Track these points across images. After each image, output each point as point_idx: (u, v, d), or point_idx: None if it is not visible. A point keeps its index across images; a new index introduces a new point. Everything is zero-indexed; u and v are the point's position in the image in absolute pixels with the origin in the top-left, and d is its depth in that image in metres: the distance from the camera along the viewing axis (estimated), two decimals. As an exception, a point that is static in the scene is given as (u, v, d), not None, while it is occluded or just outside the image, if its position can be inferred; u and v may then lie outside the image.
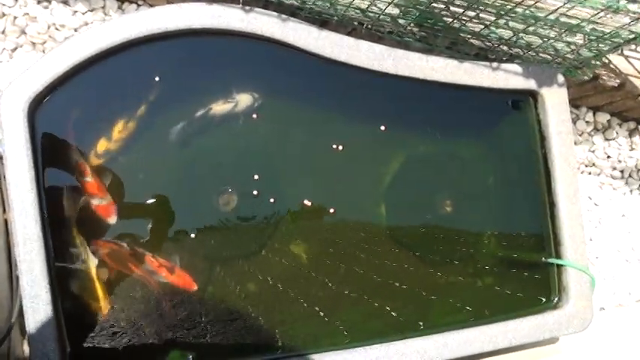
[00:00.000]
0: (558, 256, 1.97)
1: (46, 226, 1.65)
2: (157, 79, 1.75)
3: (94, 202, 1.72)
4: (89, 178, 1.71)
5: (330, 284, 1.86)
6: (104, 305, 1.71)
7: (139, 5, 2.12)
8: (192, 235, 1.78)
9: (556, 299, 1.98)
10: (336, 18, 1.96)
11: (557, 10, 1.73)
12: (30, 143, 1.62)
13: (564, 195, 1.95)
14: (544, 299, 1.99)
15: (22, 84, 1.62)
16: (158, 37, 1.72)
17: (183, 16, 1.70)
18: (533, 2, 1.73)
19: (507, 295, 1.99)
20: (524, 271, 2.01)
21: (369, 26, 1.99)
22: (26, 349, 1.88)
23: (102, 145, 1.72)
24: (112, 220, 1.74)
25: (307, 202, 1.86)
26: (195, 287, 1.78)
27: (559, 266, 1.98)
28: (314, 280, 1.86)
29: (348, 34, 1.98)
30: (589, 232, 2.57)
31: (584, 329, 1.95)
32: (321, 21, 2.02)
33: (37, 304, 1.60)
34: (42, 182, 1.65)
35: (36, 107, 1.65)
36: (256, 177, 1.82)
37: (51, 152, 1.68)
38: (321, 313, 1.85)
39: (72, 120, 1.71)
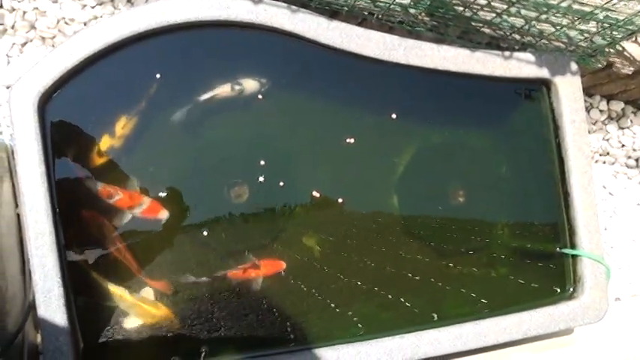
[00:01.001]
0: (573, 246, 1.96)
1: (57, 221, 1.65)
2: (166, 72, 1.75)
3: (137, 211, 1.72)
4: (118, 195, 1.72)
5: (342, 276, 1.86)
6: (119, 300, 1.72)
7: (148, -2, 2.11)
8: (205, 229, 1.78)
9: (571, 290, 1.97)
10: (346, 8, 1.95)
11: (569, -3, 1.71)
12: (40, 138, 1.62)
13: (578, 184, 1.93)
14: (559, 290, 1.98)
15: (32, 78, 1.62)
16: (167, 29, 1.71)
17: (191, 9, 1.70)
18: (545, -11, 1.71)
19: (521, 285, 1.97)
20: (538, 262, 1.99)
21: (380, 16, 1.97)
22: (39, 341, 1.89)
23: (107, 142, 1.72)
24: (164, 215, 1.74)
25: (316, 193, 1.85)
26: (283, 265, 1.81)
27: (574, 256, 1.96)
28: (326, 271, 1.85)
29: (359, 24, 1.96)
30: (603, 222, 2.54)
31: (600, 320, 1.93)
32: (331, 11, 2.01)
33: (49, 299, 1.60)
34: (53, 177, 1.65)
35: (46, 101, 1.65)
36: (263, 165, 1.82)
37: (61, 146, 1.68)
38: (334, 305, 1.85)
39: (82, 114, 1.71)
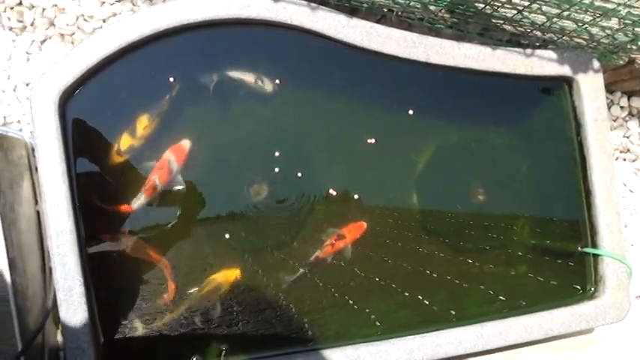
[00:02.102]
0: (594, 245, 1.94)
1: (78, 219, 1.65)
2: (185, 70, 1.75)
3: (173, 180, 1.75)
4: (155, 178, 1.73)
5: (361, 273, 1.85)
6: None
7: (167, -5, 2.11)
8: (225, 226, 1.78)
9: (592, 289, 1.95)
10: (365, 5, 1.94)
11: (592, -6, 1.69)
12: (61, 136, 1.62)
13: (600, 183, 1.91)
14: (580, 289, 1.96)
15: (53, 77, 1.62)
16: (187, 28, 1.71)
17: (212, 7, 1.69)
18: (567, -14, 1.69)
19: (542, 284, 1.96)
20: (559, 260, 1.98)
21: (399, 13, 1.96)
22: (60, 339, 1.90)
23: (127, 140, 1.72)
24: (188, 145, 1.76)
25: (333, 191, 1.85)
26: (365, 225, 1.84)
27: (595, 255, 1.95)
28: (345, 269, 1.85)
29: (378, 21, 1.96)
30: (624, 219, 2.52)
31: (622, 320, 1.92)
32: (351, 8, 2.00)
33: (70, 297, 1.61)
34: (73, 175, 1.66)
35: (67, 100, 1.65)
36: (279, 158, 1.82)
37: (82, 145, 1.68)
38: (353, 303, 1.84)
39: (102, 112, 1.71)
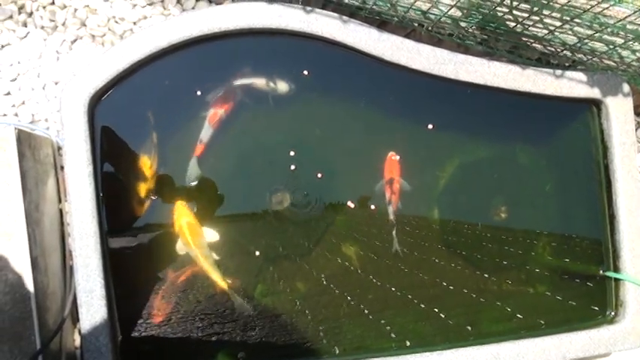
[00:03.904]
0: (616, 269, 1.93)
1: (102, 221, 1.66)
2: (213, 79, 1.76)
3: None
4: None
5: (379, 287, 1.85)
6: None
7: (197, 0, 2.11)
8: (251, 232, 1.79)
9: (612, 314, 1.94)
10: (396, 19, 1.93)
11: (625, 17, 1.68)
12: (89, 138, 1.63)
13: (625, 208, 1.90)
14: (599, 313, 1.95)
15: (84, 79, 1.63)
16: (218, 35, 1.71)
17: (244, 16, 1.70)
18: (600, 10, 1.68)
19: (561, 305, 1.95)
20: (579, 283, 1.97)
21: (430, 28, 1.95)
22: (77, 338, 1.91)
23: (153, 145, 1.74)
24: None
25: (351, 204, 1.86)
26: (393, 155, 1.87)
27: (617, 280, 1.93)
28: (363, 279, 1.85)
29: (407, 35, 1.96)
30: (645, 243, 2.50)
31: (641, 346, 1.91)
32: (380, 21, 1.99)
33: (91, 299, 1.62)
34: (99, 177, 1.67)
35: (96, 102, 1.66)
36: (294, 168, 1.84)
37: (109, 147, 1.69)
38: (368, 313, 1.84)
39: (130, 116, 1.72)
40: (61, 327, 1.72)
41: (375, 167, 1.87)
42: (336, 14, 1.75)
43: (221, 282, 1.75)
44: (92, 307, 1.62)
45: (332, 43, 1.79)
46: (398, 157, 1.85)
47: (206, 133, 1.75)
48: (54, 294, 1.78)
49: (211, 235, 1.77)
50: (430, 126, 1.90)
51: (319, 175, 1.84)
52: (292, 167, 1.82)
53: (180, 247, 1.74)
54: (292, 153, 1.82)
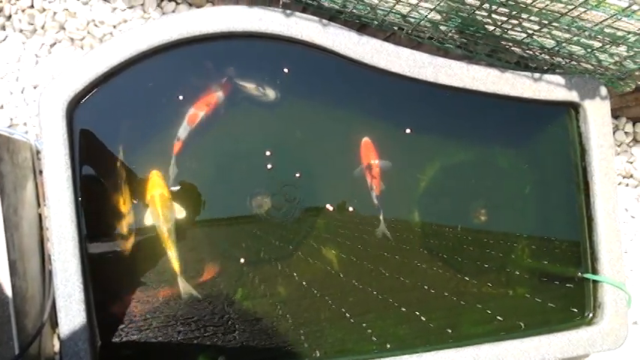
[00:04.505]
0: (594, 271, 1.94)
1: (81, 225, 1.65)
2: (193, 81, 1.76)
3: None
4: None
5: (359, 289, 1.85)
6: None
7: (177, 3, 2.11)
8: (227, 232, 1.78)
9: (590, 315, 1.95)
10: (375, 22, 1.94)
11: (602, 21, 1.69)
12: (67, 142, 1.62)
13: (603, 210, 1.92)
14: (578, 314, 1.96)
15: (62, 83, 1.62)
16: (198, 39, 1.71)
17: (224, 19, 1.70)
18: (577, 13, 1.69)
19: (540, 307, 1.96)
20: (558, 285, 1.98)
21: (409, 31, 1.96)
22: (56, 342, 1.90)
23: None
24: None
25: (330, 207, 1.86)
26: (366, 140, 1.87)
27: (595, 282, 1.95)
28: (344, 283, 1.85)
29: (387, 38, 1.96)
30: (624, 245, 2.52)
31: (618, 347, 1.92)
32: (360, 25, 2.00)
33: (70, 303, 1.61)
34: (78, 181, 1.66)
35: (75, 106, 1.66)
36: (270, 168, 1.84)
37: (88, 151, 1.68)
38: (350, 316, 1.84)
39: (109, 120, 1.72)
40: (40, 332, 1.71)
41: (352, 168, 1.88)
42: (315, 17, 1.75)
43: (174, 262, 1.74)
44: (71, 311, 1.61)
45: (312, 47, 1.79)
46: (372, 142, 1.86)
47: (184, 131, 1.75)
48: (33, 298, 1.77)
49: (180, 212, 1.76)
50: (408, 130, 1.90)
51: (297, 175, 1.84)
52: (269, 166, 1.81)
53: (147, 218, 1.73)
54: (268, 153, 1.82)
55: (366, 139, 1.86)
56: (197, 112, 1.75)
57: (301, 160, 1.86)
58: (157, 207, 1.71)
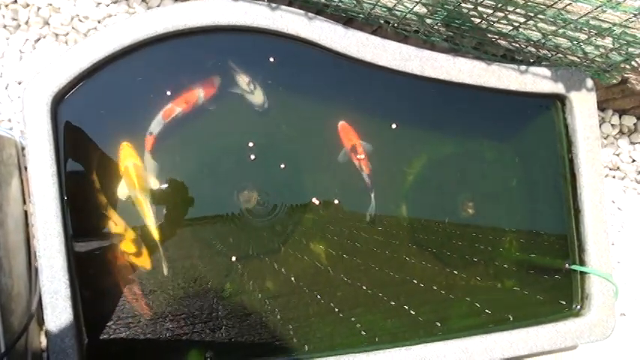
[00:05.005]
0: (582, 262, 1.95)
1: (67, 221, 1.64)
2: (179, 75, 1.75)
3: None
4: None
5: (348, 284, 1.85)
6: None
7: (162, -3, 2.10)
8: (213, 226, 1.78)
9: (578, 306, 1.96)
10: (362, 16, 1.94)
11: (587, 13, 1.70)
12: (52, 138, 1.61)
13: (590, 202, 1.92)
14: (566, 306, 1.97)
15: (46, 78, 1.61)
16: (183, 33, 1.70)
17: (208, 13, 1.69)
18: (563, 6, 1.70)
19: (528, 299, 1.97)
20: (546, 276, 1.99)
21: (395, 25, 1.96)
22: (43, 340, 1.89)
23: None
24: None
25: (316, 200, 1.85)
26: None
27: (582, 273, 1.95)
28: (332, 277, 1.85)
29: (373, 32, 1.96)
30: (611, 237, 2.53)
31: (606, 338, 1.92)
32: (347, 19, 2.00)
33: (56, 300, 1.60)
34: (63, 177, 1.65)
35: (59, 101, 1.64)
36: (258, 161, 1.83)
37: (73, 147, 1.67)
38: (338, 311, 1.84)
39: (94, 115, 1.70)
40: (26, 329, 1.70)
41: (342, 163, 1.87)
42: (301, 11, 1.75)
43: (154, 231, 1.73)
44: (57, 308, 1.60)
45: (298, 40, 1.78)
46: (348, 124, 1.85)
47: (156, 125, 1.73)
48: (19, 296, 1.76)
49: (155, 182, 1.75)
50: (394, 125, 1.90)
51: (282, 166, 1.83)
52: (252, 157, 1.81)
53: (122, 189, 1.72)
54: (251, 144, 1.81)
55: (342, 123, 1.85)
56: (174, 108, 1.73)
57: (286, 152, 1.85)
58: (132, 177, 1.70)
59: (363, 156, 1.85)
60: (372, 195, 1.87)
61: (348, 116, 1.87)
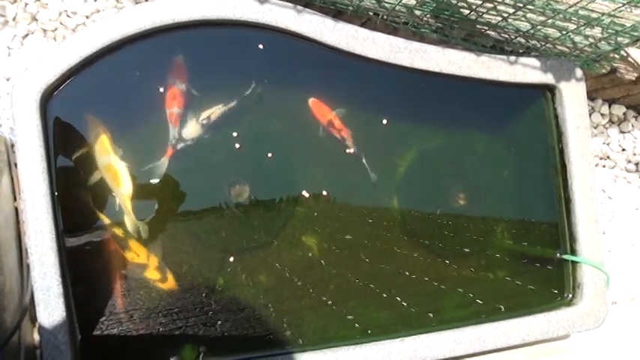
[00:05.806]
0: (573, 252, 1.96)
1: (57, 217, 1.64)
2: (169, 70, 1.74)
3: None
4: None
5: (340, 276, 1.85)
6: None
7: (151, -8, 2.09)
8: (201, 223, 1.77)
9: (570, 296, 1.97)
10: (351, 8, 1.93)
11: (576, 3, 1.70)
12: (42, 134, 1.60)
13: (580, 191, 1.93)
14: (558, 295, 1.98)
15: (35, 74, 1.60)
16: (171, 27, 1.69)
17: (197, 7, 1.68)
18: (552, -5, 1.70)
19: (520, 289, 1.97)
20: (537, 266, 2.00)
21: (385, 17, 1.96)
22: (36, 337, 1.88)
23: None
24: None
25: (306, 194, 1.85)
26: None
27: (574, 262, 1.96)
28: (325, 271, 1.85)
29: (363, 24, 1.96)
30: (602, 226, 2.54)
31: (598, 327, 1.93)
32: (336, 11, 1.99)
33: (48, 297, 1.60)
34: (54, 173, 1.64)
35: (48, 98, 1.64)
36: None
37: (63, 143, 1.67)
38: (331, 303, 1.84)
39: (84, 110, 1.70)
40: (19, 326, 1.70)
41: (333, 157, 1.88)
42: (290, 4, 1.74)
43: (144, 226, 1.73)
44: (50, 304, 1.59)
45: (287, 34, 1.78)
46: (318, 99, 1.85)
47: (173, 134, 1.74)
48: (11, 292, 1.75)
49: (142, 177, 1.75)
50: (385, 120, 1.90)
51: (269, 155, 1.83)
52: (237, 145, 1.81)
53: (112, 184, 1.71)
54: (236, 135, 1.81)
55: (312, 99, 1.84)
56: (172, 111, 1.73)
57: (273, 142, 1.85)
58: (118, 171, 1.70)
59: (341, 127, 1.85)
60: (364, 160, 1.87)
61: (337, 107, 1.87)
